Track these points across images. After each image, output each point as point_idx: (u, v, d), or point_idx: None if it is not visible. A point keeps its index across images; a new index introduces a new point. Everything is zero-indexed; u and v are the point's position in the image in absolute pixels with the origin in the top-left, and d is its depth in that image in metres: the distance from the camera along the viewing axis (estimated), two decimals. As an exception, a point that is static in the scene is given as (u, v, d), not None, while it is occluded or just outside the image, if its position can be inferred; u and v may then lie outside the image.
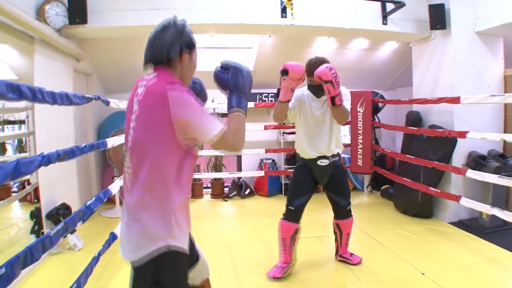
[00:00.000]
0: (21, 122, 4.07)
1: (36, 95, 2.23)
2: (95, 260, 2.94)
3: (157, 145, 1.51)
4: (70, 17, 4.19)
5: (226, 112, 1.67)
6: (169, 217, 1.53)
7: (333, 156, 3.33)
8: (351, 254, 3.68)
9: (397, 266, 3.58)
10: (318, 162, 3.30)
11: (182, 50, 1.64)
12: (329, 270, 3.57)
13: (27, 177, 3.97)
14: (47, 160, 2.36)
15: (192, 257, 1.87)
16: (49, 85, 2.69)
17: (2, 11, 3.03)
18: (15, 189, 4.41)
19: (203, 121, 1.51)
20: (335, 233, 3.63)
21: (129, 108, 1.69)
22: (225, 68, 1.73)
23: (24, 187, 4.17)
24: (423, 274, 3.35)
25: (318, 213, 5.03)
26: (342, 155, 6.60)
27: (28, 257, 2.05)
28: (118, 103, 3.98)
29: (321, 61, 3.06)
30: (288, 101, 3.08)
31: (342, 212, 3.49)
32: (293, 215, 3.34)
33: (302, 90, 3.31)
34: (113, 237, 3.45)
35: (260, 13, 4.69)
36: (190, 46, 1.69)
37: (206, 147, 6.59)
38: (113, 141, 3.67)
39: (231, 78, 1.69)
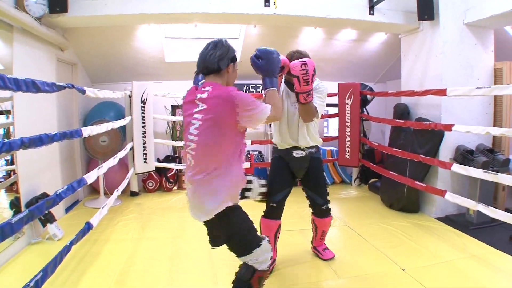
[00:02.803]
0: (8, 112, 3.98)
1: None
2: (66, 249, 2.87)
3: (225, 139, 2.08)
4: (50, 6, 4.11)
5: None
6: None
7: (310, 148, 3.20)
8: (325, 248, 3.60)
9: (378, 261, 3.50)
10: (293, 154, 3.18)
11: (229, 63, 2.17)
12: (307, 264, 3.49)
13: (13, 167, 3.89)
14: (8, 147, 2.28)
15: None
16: (30, 74, 2.63)
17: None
18: (1, 179, 4.33)
19: (261, 110, 2.06)
20: (312, 226, 3.55)
21: (188, 109, 2.21)
22: (258, 57, 2.32)
23: (10, 177, 4.09)
24: (403, 270, 3.27)
25: (300, 206, 4.87)
26: (330, 148, 6.63)
27: None
28: (96, 92, 3.88)
29: (299, 55, 2.97)
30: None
31: (318, 210, 3.36)
32: (275, 211, 3.24)
33: (282, 82, 3.23)
34: (88, 227, 3.37)
35: (244, 2, 4.59)
36: (234, 60, 2.22)
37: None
38: (89, 131, 3.57)
39: (264, 65, 2.29)
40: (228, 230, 2.18)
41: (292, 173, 3.26)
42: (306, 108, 2.89)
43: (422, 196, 4.90)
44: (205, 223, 2.22)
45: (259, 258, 2.16)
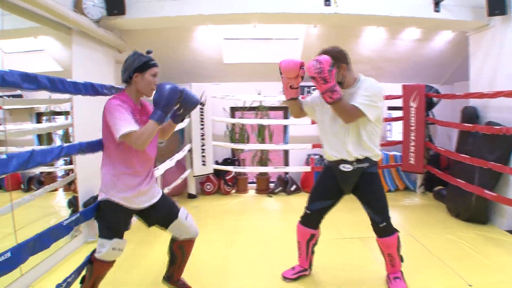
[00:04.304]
0: (67, 113, 4.17)
1: (56, 85, 2.24)
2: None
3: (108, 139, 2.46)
4: (108, 8, 4.27)
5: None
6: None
7: (359, 161, 2.84)
8: (396, 277, 3.08)
9: (442, 274, 3.28)
10: (340, 167, 2.88)
11: (131, 74, 2.47)
12: (364, 273, 3.35)
13: (71, 166, 4.06)
14: (66, 151, 2.39)
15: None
16: (88, 76, 2.76)
17: (37, 3, 3.07)
18: (60, 178, 4.55)
19: (118, 125, 2.27)
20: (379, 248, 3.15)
21: None
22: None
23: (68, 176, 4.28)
24: (470, 286, 3.04)
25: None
26: (393, 153, 6.37)
27: (37, 244, 2.07)
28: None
29: (323, 52, 2.74)
30: (292, 99, 2.92)
31: (376, 229, 2.98)
32: (308, 219, 3.12)
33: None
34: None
35: (303, 1, 4.52)
36: (140, 69, 2.47)
37: (251, 141, 6.53)
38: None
39: (154, 97, 2.42)
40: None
41: (340, 186, 3.02)
42: (337, 108, 2.65)
43: (491, 206, 4.53)
44: None
45: (99, 245, 2.50)
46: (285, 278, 3.22)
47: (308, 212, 3.10)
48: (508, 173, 4.02)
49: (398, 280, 3.05)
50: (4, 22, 2.95)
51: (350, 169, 2.86)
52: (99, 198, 2.52)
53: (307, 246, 3.19)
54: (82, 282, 2.56)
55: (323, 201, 3.04)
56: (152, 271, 3.42)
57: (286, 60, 2.72)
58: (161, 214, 2.72)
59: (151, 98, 2.47)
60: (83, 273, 2.58)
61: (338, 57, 2.72)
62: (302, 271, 3.26)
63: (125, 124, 2.26)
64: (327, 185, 3.05)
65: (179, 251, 2.87)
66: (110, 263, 2.58)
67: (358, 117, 2.68)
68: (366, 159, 2.86)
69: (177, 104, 2.57)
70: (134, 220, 2.75)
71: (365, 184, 2.92)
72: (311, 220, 3.11)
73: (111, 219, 2.51)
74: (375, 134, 2.84)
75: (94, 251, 2.54)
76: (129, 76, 2.46)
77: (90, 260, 2.54)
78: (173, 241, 2.85)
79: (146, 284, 3.21)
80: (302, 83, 6.18)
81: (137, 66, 2.45)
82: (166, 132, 2.86)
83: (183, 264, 2.94)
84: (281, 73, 2.79)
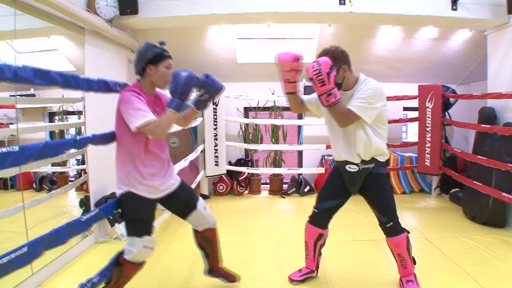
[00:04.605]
0: (79, 112, 4.20)
1: (69, 81, 2.24)
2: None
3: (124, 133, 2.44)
4: (121, 8, 4.28)
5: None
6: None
7: (364, 162, 2.80)
8: (409, 280, 3.00)
9: (457, 279, 3.19)
10: (347, 167, 2.86)
11: (144, 65, 2.43)
12: (377, 276, 3.28)
13: (83, 166, 4.08)
14: (79, 143, 2.40)
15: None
16: (101, 75, 2.75)
17: (50, 3, 3.10)
18: (72, 178, 4.58)
19: (136, 115, 2.27)
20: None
21: None
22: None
23: (80, 176, 4.31)
24: (485, 291, 2.95)
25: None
26: (409, 154, 6.28)
27: (53, 239, 2.07)
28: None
29: (324, 52, 2.69)
30: (290, 93, 2.85)
31: (384, 228, 2.93)
32: (316, 218, 3.09)
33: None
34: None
35: (318, 0, 4.47)
36: (153, 61, 2.43)
37: (265, 141, 6.49)
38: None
39: (170, 85, 2.40)
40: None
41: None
42: (333, 111, 2.60)
43: (509, 210, 4.42)
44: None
45: (128, 245, 2.48)
46: (292, 280, 3.19)
47: (316, 211, 3.09)
48: (527, 175, 3.91)
49: (411, 283, 2.97)
50: (17, 22, 2.96)
51: (355, 170, 2.84)
52: (119, 193, 2.51)
53: (315, 247, 3.15)
54: (107, 283, 2.53)
55: (331, 200, 3.02)
56: (154, 270, 3.43)
57: (282, 52, 2.67)
58: (182, 203, 2.74)
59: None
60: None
61: (340, 58, 2.67)
62: (309, 273, 3.23)
63: (142, 114, 2.26)
64: (335, 185, 3.03)
65: (205, 243, 2.89)
66: (140, 265, 2.55)
67: (354, 121, 2.64)
68: (372, 160, 2.82)
69: (200, 89, 2.59)
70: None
71: (371, 185, 2.89)
72: (319, 219, 3.08)
73: (136, 211, 2.50)
74: (381, 134, 2.80)
75: (121, 253, 2.51)
76: (142, 68, 2.43)
77: (118, 262, 2.49)
78: (196, 234, 2.88)
79: (145, 284, 3.20)
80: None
81: (151, 58, 2.42)
82: (188, 119, 2.86)
83: (216, 253, 2.96)
84: (295, 73, 2.72)
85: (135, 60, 2.47)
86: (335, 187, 3.03)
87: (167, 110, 2.32)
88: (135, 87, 2.45)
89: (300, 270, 3.25)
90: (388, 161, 2.94)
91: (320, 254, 3.22)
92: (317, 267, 3.27)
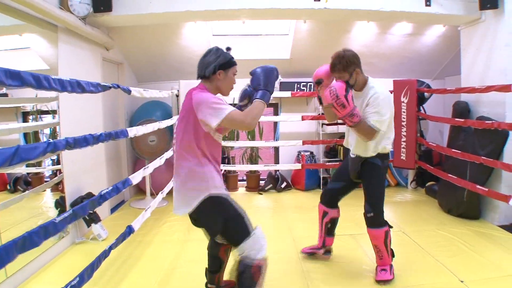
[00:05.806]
0: (54, 112, 4.08)
1: (41, 82, 2.15)
2: (105, 254, 2.86)
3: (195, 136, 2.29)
4: (94, 5, 4.19)
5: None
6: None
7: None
8: (383, 269, 3.10)
9: (434, 271, 3.24)
10: (351, 153, 3.22)
11: (215, 70, 2.34)
12: (354, 269, 3.34)
13: (58, 166, 3.98)
14: (53, 147, 2.30)
15: None
16: (75, 74, 2.66)
17: (22, 1, 3.02)
18: (47, 179, 4.45)
19: (221, 109, 2.18)
20: None
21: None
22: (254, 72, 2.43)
23: (56, 176, 4.19)
24: (462, 281, 3.01)
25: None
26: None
27: (26, 242, 1.98)
28: (142, 92, 3.89)
29: (337, 56, 2.94)
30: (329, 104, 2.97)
31: (365, 218, 3.08)
32: (323, 196, 3.43)
33: None
34: (129, 230, 3.37)
35: (292, -4, 4.46)
36: (225, 67, 2.36)
37: (241, 138, 6.45)
38: (135, 131, 3.57)
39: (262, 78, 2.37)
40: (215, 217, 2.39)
41: None
42: (357, 130, 2.85)
43: (483, 202, 4.52)
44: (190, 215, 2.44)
45: (250, 246, 2.34)
46: (302, 252, 3.58)
47: (323, 190, 3.54)
48: (500, 168, 3.97)
49: (384, 272, 3.09)
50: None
51: (354, 156, 3.15)
52: (202, 198, 2.30)
53: (322, 224, 3.43)
54: None
55: (336, 182, 3.39)
56: (152, 271, 3.38)
57: (321, 69, 3.07)
58: None
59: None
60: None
61: (354, 62, 2.89)
62: (315, 249, 3.53)
63: (227, 107, 2.20)
64: (342, 170, 3.40)
65: (226, 255, 2.78)
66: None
67: (377, 135, 2.85)
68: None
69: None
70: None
71: (366, 173, 3.10)
72: (325, 197, 3.42)
73: (233, 208, 2.42)
74: (387, 137, 3.02)
75: (246, 264, 2.31)
76: (213, 71, 2.34)
77: (255, 271, 2.30)
78: (219, 246, 2.73)
79: (145, 284, 3.15)
80: (293, 79, 6.28)
81: (223, 63, 2.36)
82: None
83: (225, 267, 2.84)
84: (319, 84, 3.07)
85: (203, 64, 2.37)
86: (341, 172, 3.37)
87: (256, 101, 2.28)
88: (203, 89, 2.36)
89: (312, 246, 3.60)
90: (388, 154, 3.12)
91: (329, 234, 3.46)
92: (324, 245, 3.50)
